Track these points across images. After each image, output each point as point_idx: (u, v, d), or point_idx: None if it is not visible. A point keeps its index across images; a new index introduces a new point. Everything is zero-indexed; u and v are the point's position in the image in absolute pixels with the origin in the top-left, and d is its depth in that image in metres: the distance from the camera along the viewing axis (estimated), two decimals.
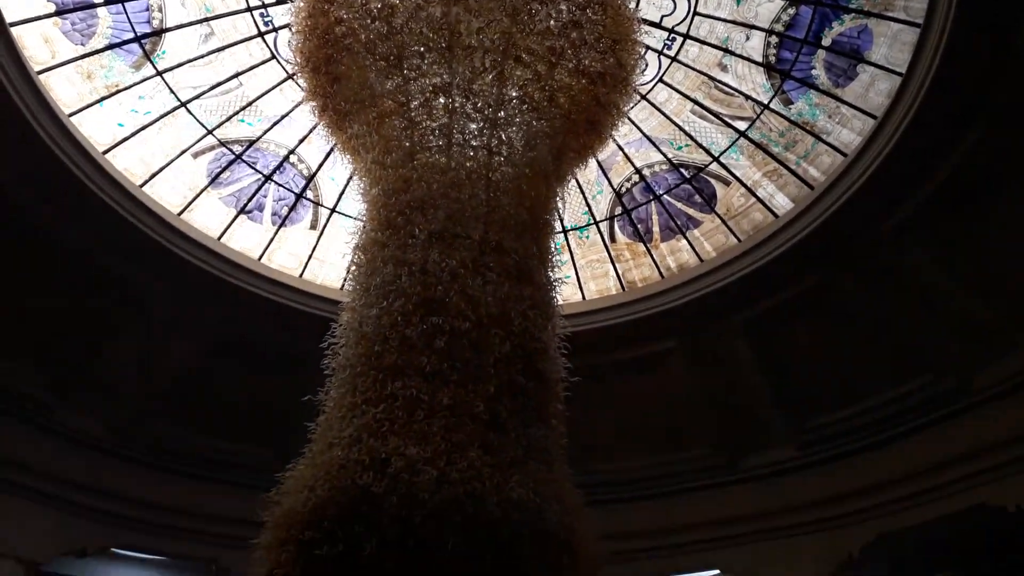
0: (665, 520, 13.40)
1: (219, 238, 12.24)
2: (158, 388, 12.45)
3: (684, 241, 13.15)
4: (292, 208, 13.14)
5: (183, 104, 11.74)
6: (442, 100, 7.42)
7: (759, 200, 12.38)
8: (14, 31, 9.44)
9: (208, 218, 12.28)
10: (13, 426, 11.29)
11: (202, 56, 11.60)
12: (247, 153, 12.65)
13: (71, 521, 11.89)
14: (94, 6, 10.61)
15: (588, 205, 13.73)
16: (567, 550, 4.98)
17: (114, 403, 12.16)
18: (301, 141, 12.82)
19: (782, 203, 12.11)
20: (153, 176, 11.60)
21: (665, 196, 13.31)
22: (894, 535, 11.97)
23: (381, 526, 4.64)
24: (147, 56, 11.21)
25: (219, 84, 11.96)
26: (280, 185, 13.02)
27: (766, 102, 11.90)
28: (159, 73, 11.39)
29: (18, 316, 10.99)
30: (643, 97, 12.32)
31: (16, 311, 10.95)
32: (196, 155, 12.25)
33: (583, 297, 13.61)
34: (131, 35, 10.96)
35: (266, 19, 11.72)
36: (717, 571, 13.72)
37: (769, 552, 12.68)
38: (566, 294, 12.54)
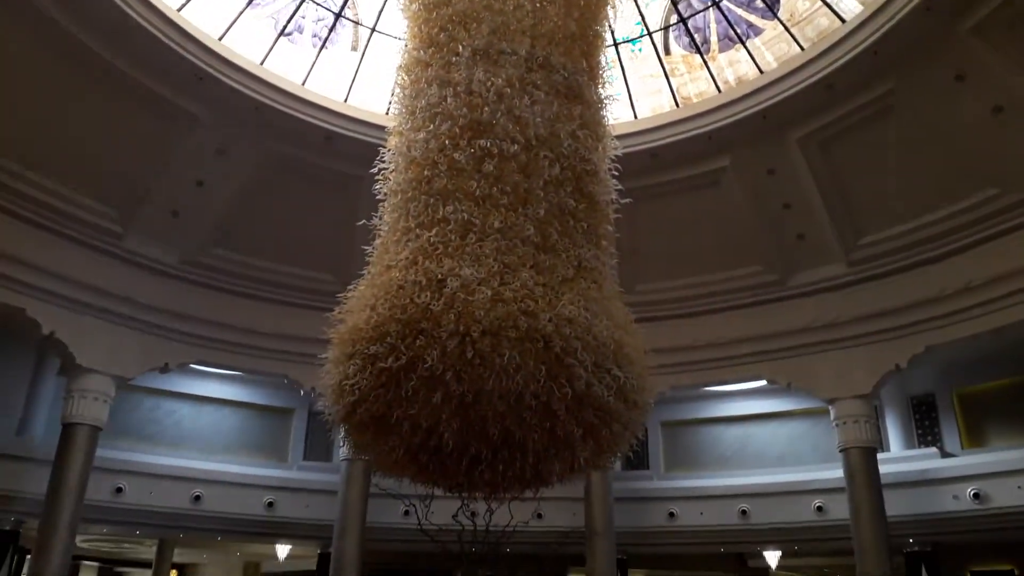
0: (713, 335, 13.78)
1: (261, 63, 12.04)
2: (218, 214, 12.86)
3: (744, 51, 12.43)
4: (331, 28, 12.74)
5: None
6: None
7: (825, 3, 11.50)
8: None
9: (248, 43, 12.01)
10: (90, 255, 12.00)
11: None
12: None
13: (153, 341, 12.90)
14: None
15: (641, 14, 12.96)
16: (616, 360, 5.20)
17: (178, 231, 12.67)
18: None
19: (850, 6, 11.23)
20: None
21: (724, 1, 12.45)
22: (943, 347, 12.15)
23: (441, 340, 4.88)
24: None
25: None
26: (317, 4, 12.56)
27: None
28: None
29: (77, 147, 11.29)
30: None
31: (74, 142, 11.23)
32: None
33: (635, 116, 13.20)
34: None
35: None
36: (763, 381, 14.26)
37: (815, 364, 13.04)
38: (617, 113, 12.17)
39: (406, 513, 12.44)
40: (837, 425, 12.67)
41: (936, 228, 11.80)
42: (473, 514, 5.75)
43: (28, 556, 12.81)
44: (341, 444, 10.40)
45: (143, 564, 18.72)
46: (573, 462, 5.61)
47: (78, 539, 13.13)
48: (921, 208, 11.82)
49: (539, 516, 13.56)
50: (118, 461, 13.50)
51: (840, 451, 12.56)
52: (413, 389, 4.96)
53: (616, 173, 6.64)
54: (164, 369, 13.20)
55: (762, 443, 15.68)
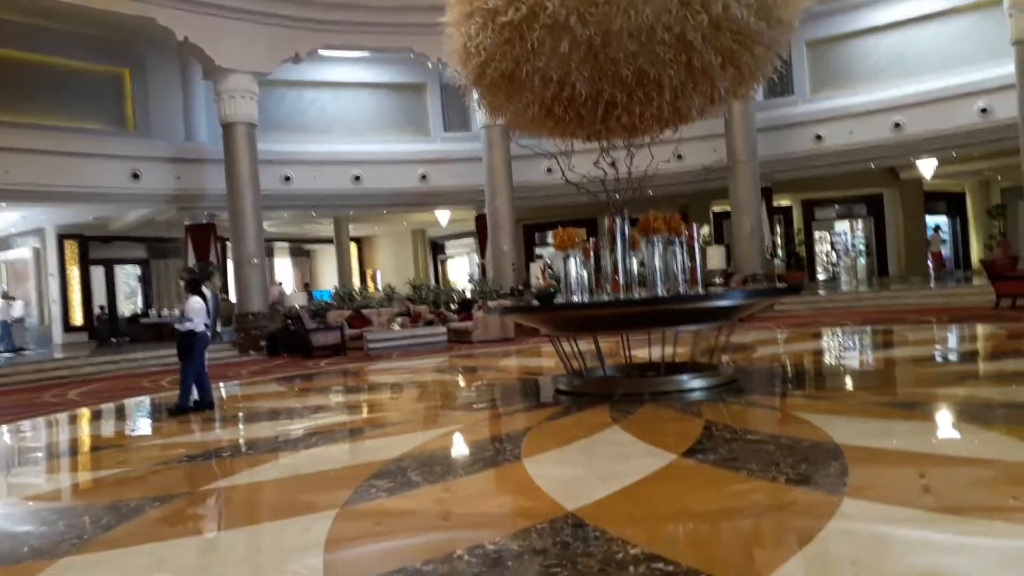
0: None
1: None
2: None
3: None
4: None
5: None
6: None
7: None
8: None
9: None
10: None
11: None
12: None
13: (279, 32, 13.14)
14: None
15: None
16: None
17: None
18: None
19: None
20: None
21: None
22: None
23: None
24: None
25: None
26: None
27: None
28: None
29: None
30: None
31: None
32: None
33: None
34: None
35: None
36: None
37: None
38: None
39: (549, 170, 12.89)
40: (1012, 15, 11.26)
41: None
42: (613, 162, 5.85)
43: (227, 243, 14.70)
44: (477, 109, 10.56)
45: (326, 241, 21.04)
46: (713, 94, 5.43)
47: (265, 224, 14.84)
48: None
49: (679, 157, 13.64)
50: (281, 153, 14.59)
51: (1013, 44, 11.31)
52: (538, 40, 4.82)
53: None
54: (296, 59, 13.51)
55: (920, 49, 14.32)
